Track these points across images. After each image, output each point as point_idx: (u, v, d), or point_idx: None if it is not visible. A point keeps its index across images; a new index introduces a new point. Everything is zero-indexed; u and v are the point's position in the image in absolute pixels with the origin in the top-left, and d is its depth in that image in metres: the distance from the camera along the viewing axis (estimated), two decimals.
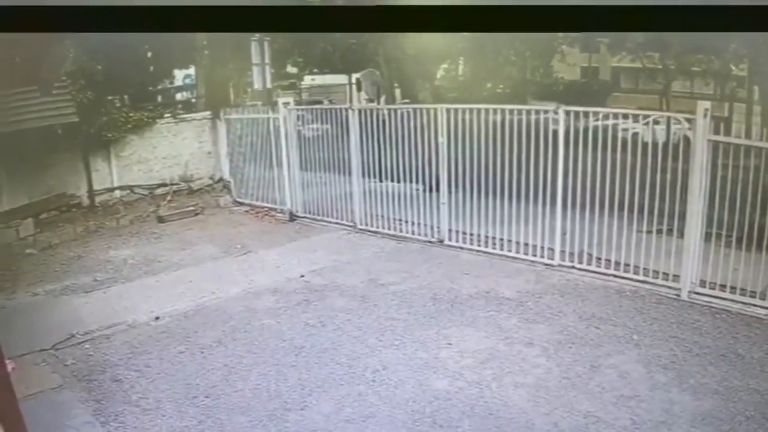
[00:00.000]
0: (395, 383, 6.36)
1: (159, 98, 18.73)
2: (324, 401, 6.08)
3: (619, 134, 8.97)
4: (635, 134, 8.88)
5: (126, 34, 12.95)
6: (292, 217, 12.81)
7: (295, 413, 5.90)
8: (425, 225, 11.02)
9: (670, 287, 8.33)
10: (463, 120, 10.15)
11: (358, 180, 11.72)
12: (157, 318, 8.16)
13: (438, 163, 10.58)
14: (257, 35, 15.39)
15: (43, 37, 9.59)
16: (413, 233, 11.05)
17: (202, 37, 15.90)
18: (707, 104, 8.05)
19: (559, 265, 9.35)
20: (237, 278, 9.52)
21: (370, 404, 6.00)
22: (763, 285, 7.77)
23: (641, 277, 8.61)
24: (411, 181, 11.11)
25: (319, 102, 26.46)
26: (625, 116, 9.32)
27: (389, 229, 11.42)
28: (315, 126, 12.49)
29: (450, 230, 10.59)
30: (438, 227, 10.81)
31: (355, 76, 30.54)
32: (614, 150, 8.76)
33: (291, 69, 35.00)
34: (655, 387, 6.13)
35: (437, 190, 10.76)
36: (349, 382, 6.42)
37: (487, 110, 10.01)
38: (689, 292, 8.12)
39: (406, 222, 11.26)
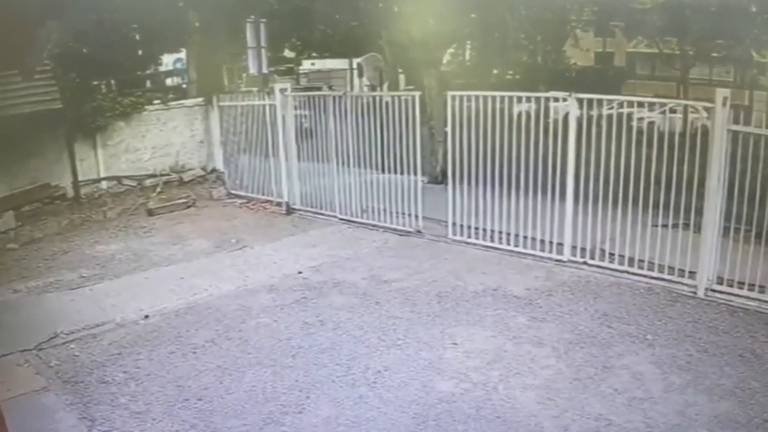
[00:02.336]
0: (398, 385, 6.39)
1: (148, 83, 18.69)
2: (323, 404, 6.11)
3: (634, 123, 8.99)
4: (651, 123, 8.90)
5: (114, 14, 12.99)
6: (290, 210, 12.84)
7: (293, 416, 5.93)
8: (430, 218, 11.09)
9: (685, 284, 8.36)
10: (470, 108, 10.17)
11: (356, 171, 11.79)
12: (146, 316, 8.18)
13: (443, 154, 10.62)
14: (253, 16, 15.40)
15: (24, 17, 9.59)
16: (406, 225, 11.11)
17: (194, 19, 15.89)
18: (727, 92, 8.06)
19: (570, 261, 9.39)
20: (231, 274, 9.55)
21: (371, 407, 6.04)
22: None
23: (656, 274, 8.64)
24: (414, 173, 11.15)
25: (319, 88, 26.43)
26: (641, 104, 9.34)
27: (390, 222, 11.50)
28: (307, 113, 12.53)
29: (455, 224, 10.62)
30: (417, 216, 11.08)
31: (356, 61, 30.52)
32: (628, 140, 8.78)
33: (288, 53, 34.97)
34: (669, 388, 6.17)
35: (442, 181, 10.81)
36: (350, 383, 6.46)
37: (494, 98, 10.02)
38: (706, 289, 8.16)
39: (409, 215, 11.31)
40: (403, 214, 11.34)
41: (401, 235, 11.18)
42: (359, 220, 11.91)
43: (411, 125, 10.84)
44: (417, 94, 11.01)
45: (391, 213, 11.53)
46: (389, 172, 11.45)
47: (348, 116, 11.69)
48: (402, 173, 11.26)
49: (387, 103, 11.28)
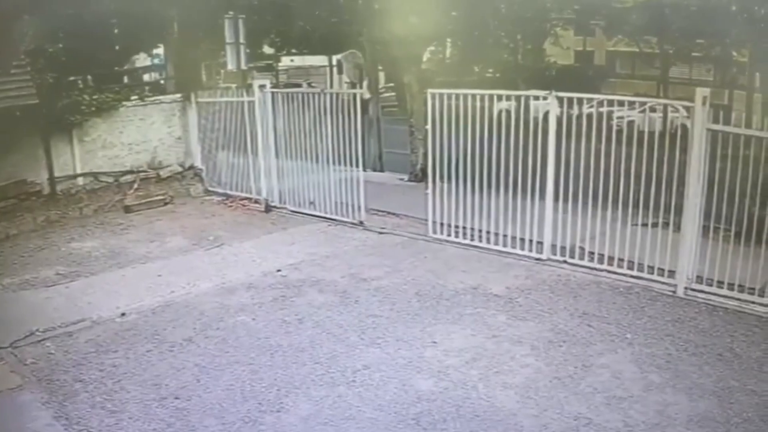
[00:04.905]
0: (377, 383, 6.39)
1: (125, 79, 18.57)
2: (301, 402, 6.10)
3: (614, 122, 9.05)
4: (631, 122, 8.96)
5: (91, 9, 12.87)
6: (268, 208, 12.80)
7: (271, 415, 5.92)
8: (410, 216, 11.12)
9: (665, 283, 8.43)
10: (449, 106, 10.19)
11: (334, 169, 11.80)
12: (123, 314, 8.12)
13: (423, 152, 10.65)
14: (231, 12, 15.33)
15: None
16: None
17: (172, 14, 15.78)
18: (706, 91, 8.13)
19: (550, 260, 9.43)
20: (209, 272, 9.51)
21: (351, 405, 6.03)
22: (762, 281, 7.88)
23: (635, 273, 8.70)
24: (356, 166, 11.44)
25: (298, 85, 26.35)
26: (621, 103, 9.40)
27: (335, 214, 11.85)
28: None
29: (435, 222, 10.63)
30: (359, 207, 11.41)
31: (335, 58, 30.45)
32: (608, 139, 8.84)
33: (267, 49, 34.82)
34: (649, 387, 6.22)
35: (422, 179, 10.84)
36: (329, 382, 6.45)
37: (474, 96, 10.05)
38: (685, 288, 8.22)
39: (352, 206, 11.56)
40: (347, 205, 11.62)
41: (340, 225, 11.56)
42: (305, 211, 12.26)
43: (353, 121, 11.20)
44: (358, 91, 12.29)
45: (337, 204, 11.83)
46: (338, 165, 11.75)
47: (296, 113, 12.12)
48: (346, 165, 11.55)
49: (331, 99, 11.64)
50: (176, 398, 6.22)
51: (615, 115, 9.18)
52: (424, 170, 12.14)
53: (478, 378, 6.46)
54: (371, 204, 11.88)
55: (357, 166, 11.38)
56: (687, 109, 8.31)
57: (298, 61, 36.04)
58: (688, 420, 5.69)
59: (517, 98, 9.98)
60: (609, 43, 35.26)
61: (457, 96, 10.18)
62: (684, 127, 8.55)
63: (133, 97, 14.68)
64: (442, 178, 10.47)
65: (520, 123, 9.59)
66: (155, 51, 20.74)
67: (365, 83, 19.12)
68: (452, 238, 10.42)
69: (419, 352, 6.99)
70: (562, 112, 9.15)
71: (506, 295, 8.40)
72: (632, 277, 8.71)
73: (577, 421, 5.72)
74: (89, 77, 15.22)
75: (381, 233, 11.05)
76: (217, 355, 7.05)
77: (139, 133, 14.33)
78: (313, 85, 28.19)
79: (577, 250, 9.32)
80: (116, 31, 16.42)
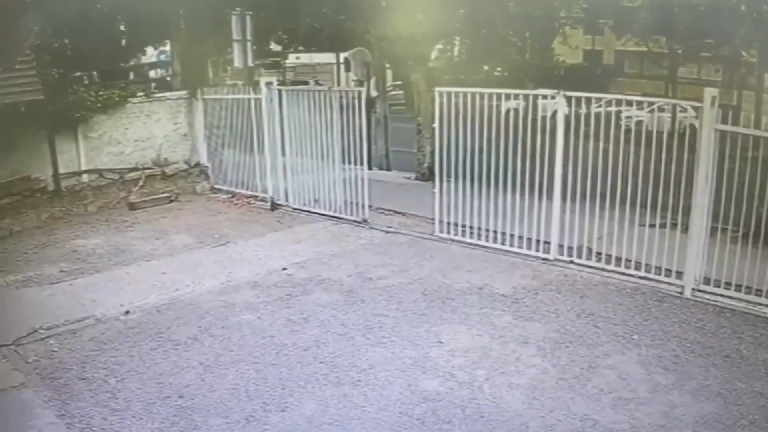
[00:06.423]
0: (382, 383, 6.39)
1: (131, 75, 18.59)
2: (306, 402, 6.10)
3: (622, 122, 9.02)
4: (639, 122, 8.93)
5: (97, 4, 12.89)
6: (274, 206, 12.80)
7: (276, 415, 5.92)
8: (416, 215, 11.11)
9: (672, 284, 8.40)
10: (457, 104, 10.17)
11: (341, 167, 11.80)
12: (127, 312, 8.13)
13: (430, 150, 10.64)
14: (238, 9, 15.31)
15: (4, 7, 9.51)
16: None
17: (178, 10, 15.79)
18: (715, 91, 8.11)
19: (556, 260, 9.41)
20: (214, 270, 9.51)
21: (356, 405, 6.03)
22: None
23: (643, 274, 8.68)
24: (360, 163, 11.51)
25: (305, 82, 26.35)
26: (629, 103, 9.38)
27: (340, 212, 11.88)
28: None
29: (441, 222, 10.62)
30: (363, 205, 11.45)
31: (343, 56, 30.47)
32: (616, 139, 8.81)
33: (275, 46, 34.82)
34: (655, 389, 6.20)
35: (429, 178, 10.83)
36: (334, 382, 6.45)
37: (482, 94, 10.03)
38: (693, 289, 8.20)
39: (356, 205, 11.60)
40: (352, 203, 11.65)
41: (346, 223, 11.57)
42: (311, 209, 12.30)
43: (359, 119, 11.31)
44: (362, 89, 12.08)
45: (342, 203, 11.87)
46: (344, 163, 11.81)
47: (303, 111, 12.17)
48: (352, 164, 11.61)
49: (338, 97, 11.77)
50: (180, 397, 6.23)
51: (623, 114, 9.16)
52: (431, 169, 12.13)
53: (484, 378, 6.45)
54: (378, 203, 11.91)
55: (363, 164, 11.36)
56: (695, 109, 8.28)
57: (305, 58, 36.05)
58: (695, 422, 5.68)
59: (525, 97, 9.97)
60: (617, 43, 35.21)
61: (465, 94, 10.17)
62: (692, 127, 8.53)
63: (138, 94, 14.69)
64: (449, 177, 10.46)
65: (528, 122, 9.57)
66: (162, 47, 20.79)
67: (372, 81, 19.11)
68: (459, 237, 10.41)
69: (425, 352, 6.98)
70: (570, 112, 9.13)
71: (512, 295, 8.38)
72: (639, 278, 8.69)
73: (584, 422, 5.71)
74: (95, 73, 15.24)
75: (387, 232, 11.05)
76: (221, 353, 7.06)
77: (145, 130, 14.35)
78: (320, 82, 28.19)
79: (585, 251, 9.30)
80: (122, 27, 16.42)
